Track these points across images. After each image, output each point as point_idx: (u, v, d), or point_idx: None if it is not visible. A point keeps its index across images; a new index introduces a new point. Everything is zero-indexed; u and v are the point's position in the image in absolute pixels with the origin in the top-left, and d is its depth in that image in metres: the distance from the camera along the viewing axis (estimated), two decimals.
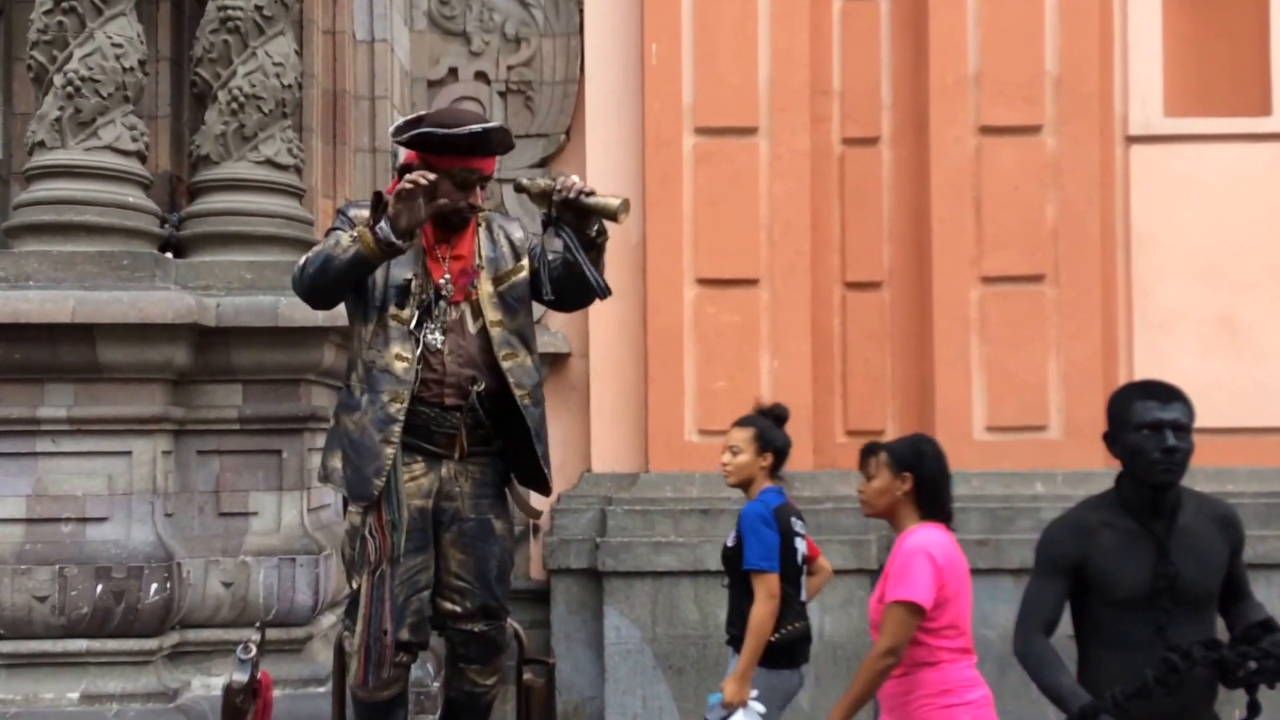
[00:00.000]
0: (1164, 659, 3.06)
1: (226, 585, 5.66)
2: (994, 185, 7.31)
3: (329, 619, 6.02)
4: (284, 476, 5.78)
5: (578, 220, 3.61)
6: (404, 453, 3.67)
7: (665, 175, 7.27)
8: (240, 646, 3.89)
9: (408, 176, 3.49)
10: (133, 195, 5.70)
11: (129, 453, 5.43)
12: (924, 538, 3.76)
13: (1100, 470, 7.17)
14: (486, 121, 3.73)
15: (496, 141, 3.73)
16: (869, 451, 3.99)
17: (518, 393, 3.72)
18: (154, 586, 5.35)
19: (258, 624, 4.67)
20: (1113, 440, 3.36)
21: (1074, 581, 3.31)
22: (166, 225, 5.92)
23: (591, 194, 3.60)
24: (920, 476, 3.82)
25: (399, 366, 3.64)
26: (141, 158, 5.77)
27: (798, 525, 4.87)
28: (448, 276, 3.77)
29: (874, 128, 7.48)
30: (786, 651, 4.80)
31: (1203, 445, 3.51)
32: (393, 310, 3.69)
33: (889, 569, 3.74)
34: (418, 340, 3.68)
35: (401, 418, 3.62)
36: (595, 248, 3.68)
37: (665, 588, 6.90)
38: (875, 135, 7.48)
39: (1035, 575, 3.39)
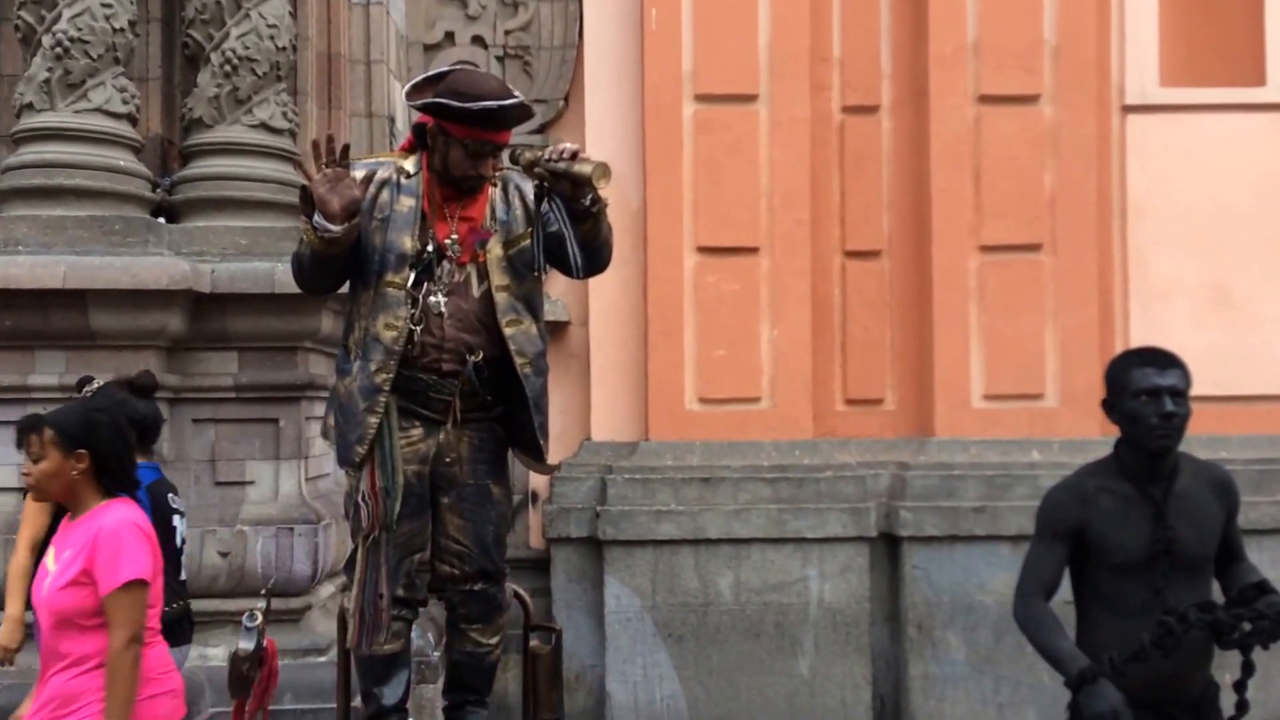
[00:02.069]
0: (1160, 622, 3.01)
1: (223, 555, 5.40)
2: (993, 154, 7.03)
3: (328, 589, 5.75)
4: (281, 445, 5.51)
5: (572, 189, 3.34)
6: (402, 417, 3.47)
7: (665, 142, 6.95)
8: (246, 615, 3.65)
9: (313, 178, 3.30)
10: (124, 159, 5.39)
11: None
12: (120, 514, 3.22)
13: (1096, 438, 6.94)
14: (505, 94, 3.45)
15: (512, 118, 3.49)
16: (29, 428, 3.42)
17: (518, 361, 3.49)
18: None
19: (263, 591, 4.43)
20: (1111, 407, 3.29)
21: (1073, 546, 3.25)
22: (158, 190, 5.61)
23: (572, 159, 3.31)
24: (98, 452, 3.23)
25: (388, 336, 3.43)
26: (132, 120, 5.46)
27: (175, 503, 4.47)
28: (454, 237, 3.53)
29: (874, 96, 7.17)
30: (167, 632, 4.13)
31: (1197, 413, 3.37)
32: (388, 276, 3.47)
33: (91, 557, 3.14)
34: (415, 301, 3.45)
35: (387, 388, 3.43)
36: (589, 217, 3.40)
37: (665, 556, 6.62)
38: (875, 103, 7.17)
39: (1035, 540, 3.33)
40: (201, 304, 5.28)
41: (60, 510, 3.76)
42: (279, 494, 5.49)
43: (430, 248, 3.47)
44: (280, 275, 5.31)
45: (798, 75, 6.98)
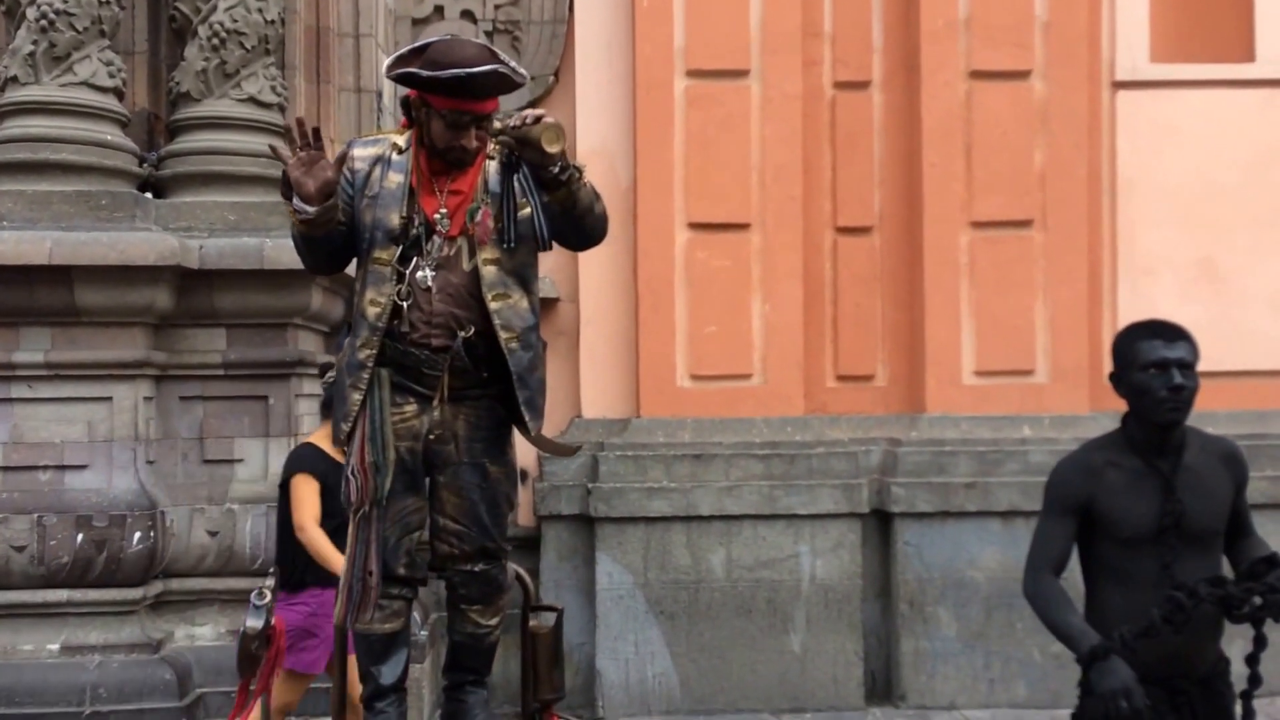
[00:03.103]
0: (1170, 597, 2.93)
1: (212, 534, 5.28)
2: (984, 130, 6.92)
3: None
4: (270, 423, 5.40)
5: (540, 156, 3.17)
6: (396, 393, 3.36)
7: (656, 118, 6.81)
8: (254, 593, 3.55)
9: (289, 161, 3.21)
10: (110, 133, 5.25)
11: (109, 398, 5.02)
12: None
13: (1086, 414, 6.88)
14: (483, 61, 3.25)
15: (488, 86, 3.27)
16: None
17: (503, 335, 3.35)
18: (137, 535, 4.96)
19: (270, 570, 4.30)
20: (1118, 380, 3.19)
21: (1081, 521, 3.14)
22: (145, 164, 5.46)
23: (535, 123, 3.16)
24: None
25: (372, 311, 3.35)
26: (119, 94, 5.31)
27: None
28: (443, 211, 3.39)
29: (865, 71, 7.05)
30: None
31: None
32: (376, 252, 3.37)
33: None
34: (401, 276, 3.34)
35: (370, 364, 3.34)
36: (559, 185, 3.22)
37: (657, 533, 6.50)
38: (866, 79, 7.05)
39: (1043, 516, 3.22)
40: (189, 280, 5.14)
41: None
42: (268, 472, 5.36)
43: (418, 222, 3.37)
44: (269, 251, 5.18)
45: (789, 50, 6.86)
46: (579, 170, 3.24)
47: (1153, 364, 3.07)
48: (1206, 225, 7.22)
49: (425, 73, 3.22)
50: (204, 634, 5.21)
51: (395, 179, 3.39)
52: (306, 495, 4.47)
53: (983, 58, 6.93)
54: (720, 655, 6.50)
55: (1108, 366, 7.67)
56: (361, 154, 3.41)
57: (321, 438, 4.53)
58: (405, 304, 3.32)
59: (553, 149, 3.11)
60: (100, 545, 4.89)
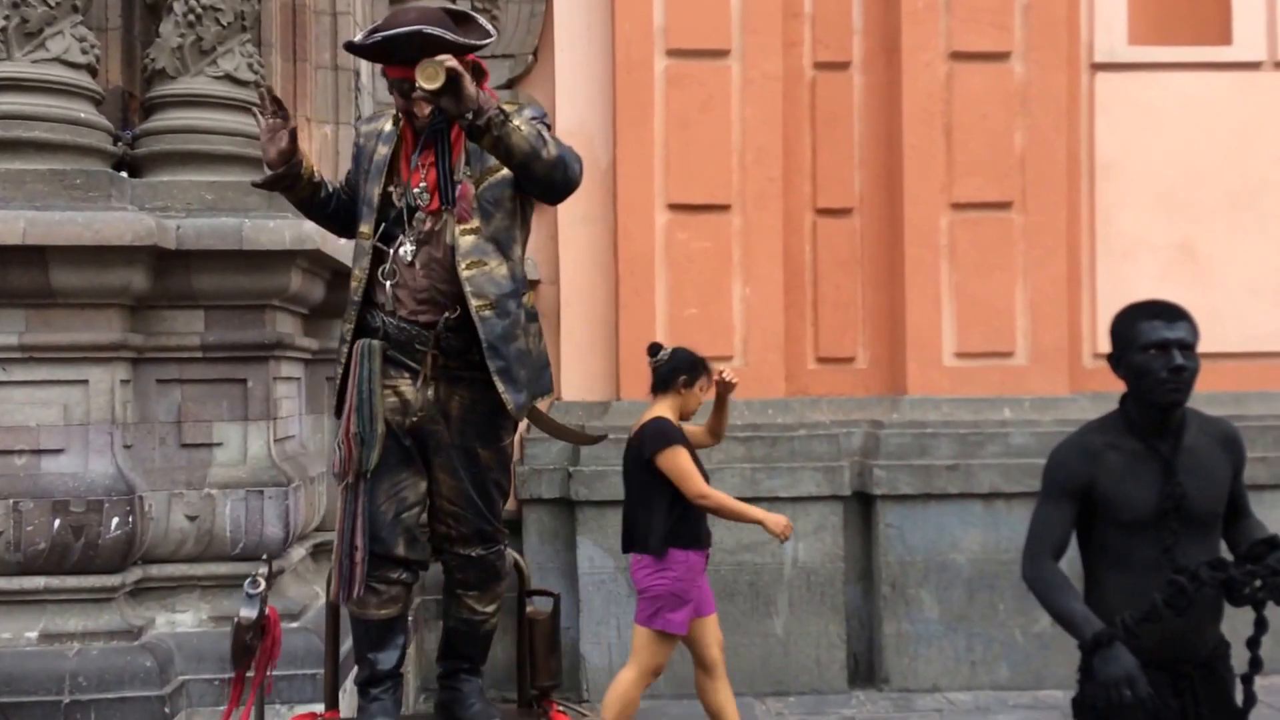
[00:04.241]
0: (1171, 581, 2.91)
1: (191, 519, 5.17)
2: (964, 111, 6.93)
3: (299, 552, 5.54)
4: (249, 406, 5.28)
5: (455, 105, 3.07)
6: (391, 367, 3.35)
7: (636, 98, 6.77)
8: (248, 581, 3.48)
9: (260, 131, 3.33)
10: (84, 111, 5.12)
11: (85, 381, 4.90)
12: None
13: (1065, 395, 6.91)
14: (425, 23, 3.16)
15: (416, 49, 3.12)
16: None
17: (475, 303, 3.28)
18: (115, 521, 4.84)
19: (265, 556, 4.23)
20: (1117, 361, 3.17)
21: (1081, 504, 3.12)
22: (119, 143, 5.33)
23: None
24: None
25: (352, 285, 3.41)
26: (92, 71, 5.18)
27: None
28: (423, 185, 3.36)
29: (845, 52, 7.02)
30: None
31: None
32: (360, 227, 3.42)
33: None
34: (379, 252, 3.36)
35: (349, 337, 3.37)
36: (481, 133, 3.10)
37: None
38: (846, 60, 7.02)
39: (1042, 500, 3.20)
40: (166, 261, 5.03)
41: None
42: (248, 456, 5.26)
43: (399, 195, 3.37)
44: (248, 231, 5.08)
45: (770, 30, 6.83)
46: (503, 114, 3.09)
47: (1153, 345, 3.05)
48: (1184, 208, 7.27)
49: (359, 40, 3.22)
50: (185, 620, 5.12)
51: (382, 151, 3.40)
52: (688, 464, 4.89)
53: (963, 39, 6.93)
54: None
55: (1087, 348, 7.73)
56: (366, 129, 3.46)
57: (666, 408, 5.01)
58: (389, 282, 3.31)
59: (429, 85, 2.99)
60: (78, 531, 4.79)
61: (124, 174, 5.23)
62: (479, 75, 3.37)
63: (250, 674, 3.47)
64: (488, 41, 3.31)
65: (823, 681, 6.54)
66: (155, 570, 5.15)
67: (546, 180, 3.23)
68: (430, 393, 3.34)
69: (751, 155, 6.79)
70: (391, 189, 3.37)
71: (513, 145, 3.12)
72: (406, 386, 3.33)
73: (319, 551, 5.91)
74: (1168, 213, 7.26)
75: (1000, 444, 6.69)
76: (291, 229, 5.16)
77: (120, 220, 4.83)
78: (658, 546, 4.81)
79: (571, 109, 6.85)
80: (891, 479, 6.59)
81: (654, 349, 5.19)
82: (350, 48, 3.32)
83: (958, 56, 6.92)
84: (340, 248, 5.81)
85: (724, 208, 6.78)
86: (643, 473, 4.89)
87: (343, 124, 6.14)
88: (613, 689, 4.94)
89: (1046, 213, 6.98)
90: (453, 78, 2.99)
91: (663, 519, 4.80)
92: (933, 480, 6.60)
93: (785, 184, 6.85)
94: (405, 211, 3.33)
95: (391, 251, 3.32)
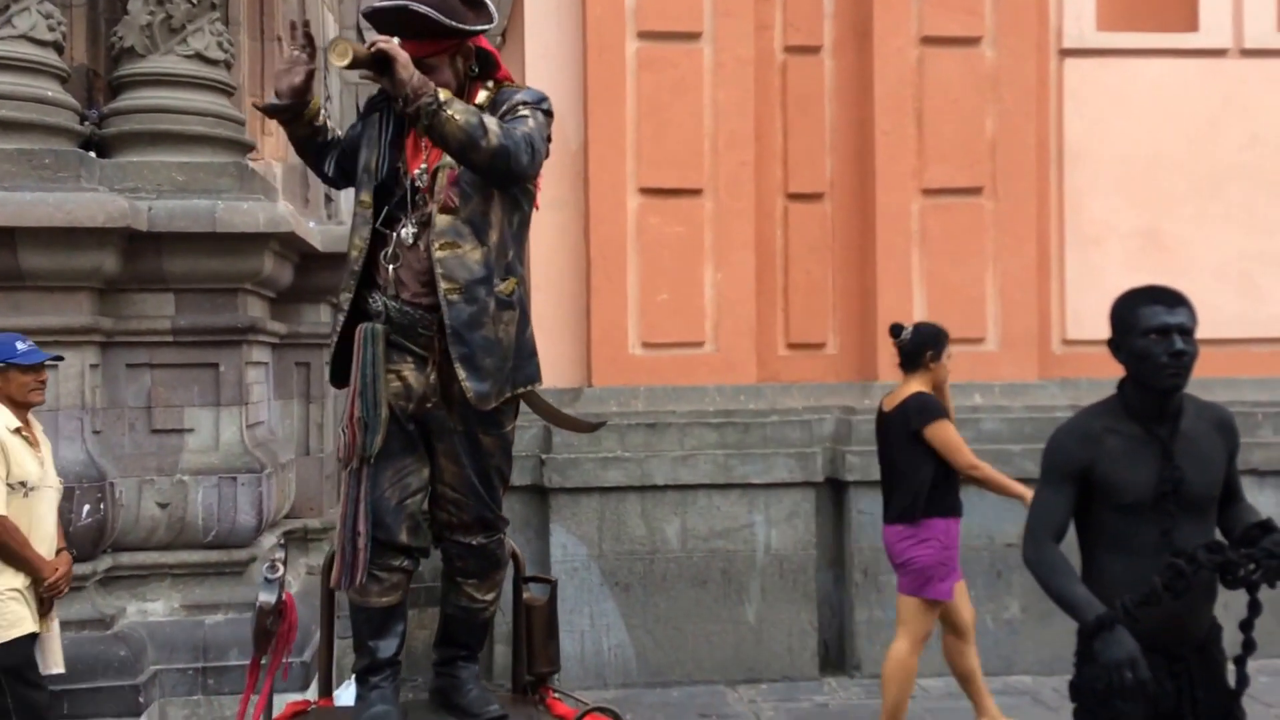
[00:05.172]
0: (1170, 564, 2.95)
1: (162, 506, 5.16)
2: (935, 97, 6.99)
3: (271, 540, 5.51)
4: (221, 391, 5.27)
5: (391, 88, 3.08)
6: (395, 351, 3.31)
7: (607, 81, 6.76)
8: (266, 566, 3.45)
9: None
10: (51, 89, 5.07)
11: (54, 366, 4.82)
12: None
13: (1034, 382, 6.98)
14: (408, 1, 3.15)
15: (397, 25, 3.16)
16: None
17: (443, 286, 3.23)
18: (86, 508, 4.82)
19: (279, 540, 4.19)
20: (1117, 346, 3.18)
21: (1080, 488, 3.15)
22: (86, 122, 5.27)
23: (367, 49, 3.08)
24: None
25: (351, 255, 3.36)
26: (58, 49, 5.14)
27: None
28: (423, 168, 3.34)
29: (816, 36, 7.06)
30: None
31: None
32: (361, 195, 3.38)
33: None
34: (382, 235, 3.32)
35: (346, 307, 3.34)
36: (414, 119, 3.10)
37: (611, 504, 6.50)
38: (818, 44, 7.06)
39: (1042, 484, 3.22)
40: (137, 243, 5.00)
41: None
42: (220, 442, 5.24)
43: (401, 174, 3.34)
44: (221, 214, 5.06)
45: (742, 13, 6.85)
46: (436, 102, 3.05)
47: (1154, 329, 3.07)
48: (1152, 195, 7.37)
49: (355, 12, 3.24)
50: (156, 609, 5.09)
51: (384, 130, 3.37)
52: (956, 437, 5.20)
53: (934, 23, 6.98)
54: (676, 627, 6.53)
55: (1056, 334, 7.79)
56: (372, 102, 3.42)
57: (921, 383, 5.24)
58: (392, 265, 3.28)
59: (338, 63, 3.01)
60: None
61: (92, 154, 5.18)
62: (484, 61, 3.39)
63: (265, 660, 3.46)
64: (483, 27, 3.30)
65: (795, 669, 6.59)
66: (126, 559, 5.12)
67: (487, 169, 3.19)
68: (434, 377, 3.32)
69: (724, 139, 6.81)
70: (399, 165, 3.35)
71: (447, 134, 3.09)
72: (410, 371, 3.31)
73: (290, 539, 5.89)
74: (1136, 200, 7.35)
75: (971, 430, 6.72)
76: (265, 211, 5.13)
77: (92, 201, 4.79)
78: (918, 516, 5.11)
79: (541, 89, 6.81)
80: (864, 465, 6.63)
81: (896, 329, 5.34)
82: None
83: (929, 41, 6.97)
84: (311, 231, 5.78)
85: (696, 192, 6.79)
86: (907, 446, 5.16)
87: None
88: (889, 662, 5.24)
89: (1017, 199, 7.05)
90: (379, 59, 3.01)
91: (925, 490, 5.11)
92: None
93: (756, 168, 6.88)
94: (409, 193, 3.31)
95: (394, 234, 3.30)
